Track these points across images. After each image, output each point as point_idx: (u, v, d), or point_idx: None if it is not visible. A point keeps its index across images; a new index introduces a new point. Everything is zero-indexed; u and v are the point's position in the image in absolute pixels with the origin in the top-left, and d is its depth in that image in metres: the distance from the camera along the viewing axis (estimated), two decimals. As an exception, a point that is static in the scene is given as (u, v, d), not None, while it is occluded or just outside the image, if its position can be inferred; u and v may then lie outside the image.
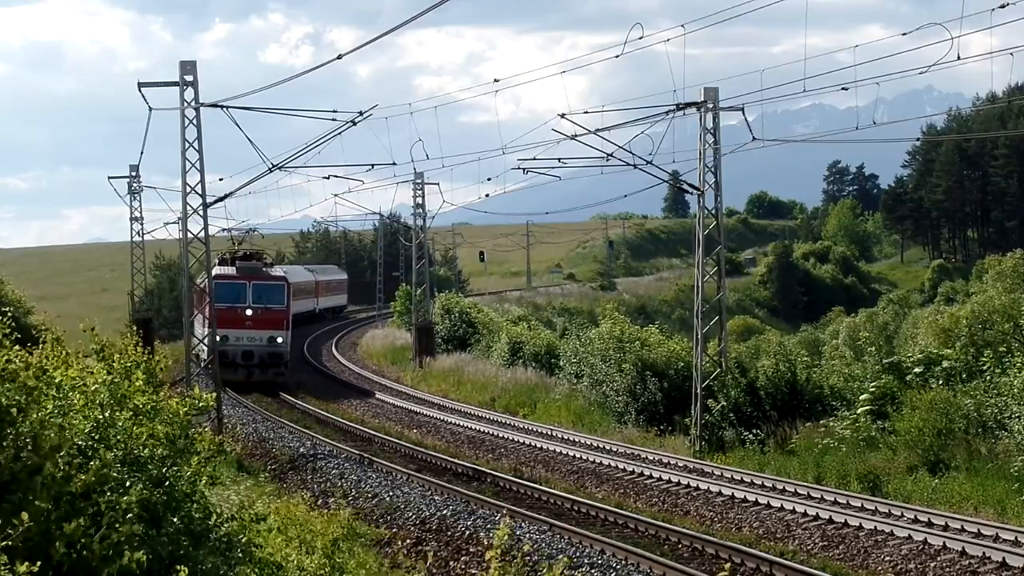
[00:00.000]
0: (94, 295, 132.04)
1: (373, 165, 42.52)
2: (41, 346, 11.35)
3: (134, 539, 9.18)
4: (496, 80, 36.29)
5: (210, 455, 10.93)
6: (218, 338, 42.98)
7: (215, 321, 40.98)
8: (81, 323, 12.02)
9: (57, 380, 10.40)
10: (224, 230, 58.70)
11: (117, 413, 10.49)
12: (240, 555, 10.67)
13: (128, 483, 9.64)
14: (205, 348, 49.77)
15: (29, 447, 9.32)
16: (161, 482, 10.10)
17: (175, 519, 10.04)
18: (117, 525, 9.17)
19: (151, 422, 10.69)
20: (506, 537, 10.55)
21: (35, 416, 9.50)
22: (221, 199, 40.94)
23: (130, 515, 9.26)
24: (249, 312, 51.42)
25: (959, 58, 27.84)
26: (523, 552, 12.60)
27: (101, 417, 10.19)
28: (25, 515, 8.46)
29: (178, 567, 9.01)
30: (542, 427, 41.23)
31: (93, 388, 10.64)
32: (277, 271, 56.56)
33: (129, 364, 11.17)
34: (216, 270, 47.97)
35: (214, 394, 20.27)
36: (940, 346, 39.43)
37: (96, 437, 10.08)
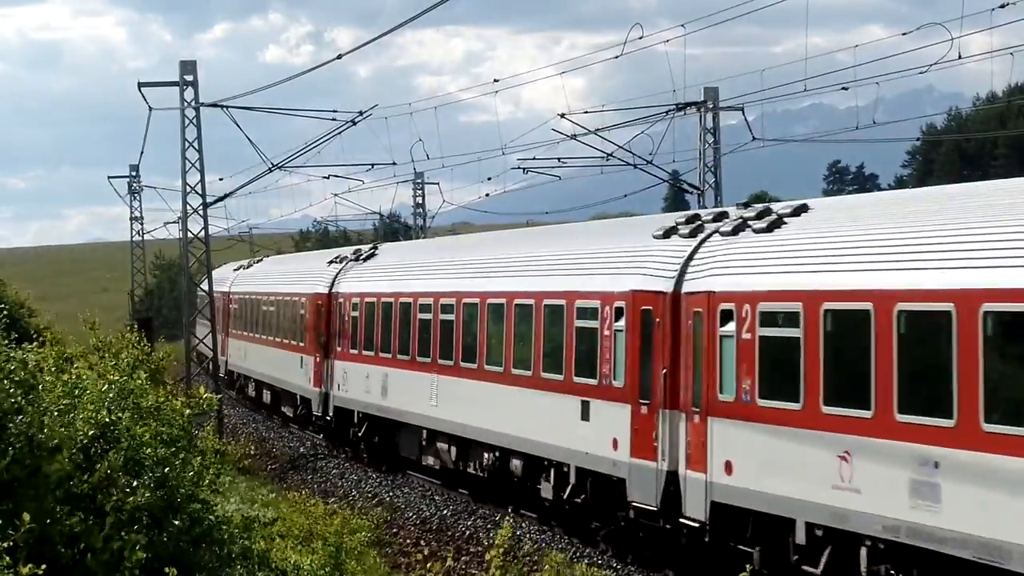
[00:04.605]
0: (94, 295, 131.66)
1: (373, 165, 42.63)
2: (39, 346, 11.28)
3: (139, 543, 9.12)
4: (496, 80, 36.39)
5: (212, 461, 10.85)
6: None
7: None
8: (81, 317, 11.97)
9: (64, 379, 10.34)
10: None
11: (121, 414, 10.43)
12: (241, 557, 10.62)
13: (136, 484, 9.57)
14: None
15: (27, 447, 9.26)
16: (163, 483, 10.05)
17: (177, 520, 9.99)
18: (124, 532, 9.09)
19: (154, 422, 10.63)
20: (508, 537, 10.52)
21: (33, 416, 9.43)
22: (221, 199, 41.05)
23: (135, 519, 9.19)
24: None
25: (959, 58, 27.85)
26: (524, 552, 12.56)
27: (108, 420, 10.11)
28: (27, 516, 8.42)
29: (167, 569, 8.89)
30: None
31: (103, 388, 10.54)
32: None
33: (133, 360, 11.09)
34: None
35: (218, 395, 20.27)
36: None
37: (100, 439, 10.02)
